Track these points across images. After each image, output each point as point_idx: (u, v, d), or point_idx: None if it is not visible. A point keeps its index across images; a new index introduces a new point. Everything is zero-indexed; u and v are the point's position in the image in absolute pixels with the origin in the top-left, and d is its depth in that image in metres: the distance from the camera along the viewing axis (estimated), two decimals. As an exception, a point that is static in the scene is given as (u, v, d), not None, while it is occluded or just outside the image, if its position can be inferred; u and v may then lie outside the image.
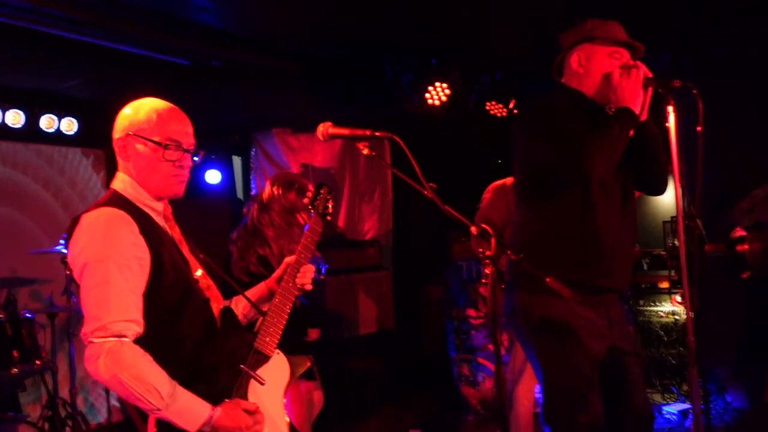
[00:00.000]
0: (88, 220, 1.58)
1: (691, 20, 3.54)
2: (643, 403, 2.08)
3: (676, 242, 4.09)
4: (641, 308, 4.67)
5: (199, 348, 1.65)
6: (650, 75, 1.98)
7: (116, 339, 1.49)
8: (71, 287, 3.70)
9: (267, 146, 5.33)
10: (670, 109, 1.89)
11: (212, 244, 2.88)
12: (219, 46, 3.53)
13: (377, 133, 1.68)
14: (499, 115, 4.43)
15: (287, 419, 1.81)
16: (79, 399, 3.88)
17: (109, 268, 1.52)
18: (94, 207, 1.62)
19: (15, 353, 3.23)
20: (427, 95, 4.02)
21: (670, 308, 4.57)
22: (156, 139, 1.64)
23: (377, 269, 5.22)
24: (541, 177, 2.03)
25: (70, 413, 3.65)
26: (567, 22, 2.14)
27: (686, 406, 4.15)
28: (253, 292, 1.89)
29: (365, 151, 1.69)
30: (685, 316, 1.93)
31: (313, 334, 3.06)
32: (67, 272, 1.60)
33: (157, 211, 1.71)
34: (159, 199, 1.70)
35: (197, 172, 5.02)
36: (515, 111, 4.38)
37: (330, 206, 1.94)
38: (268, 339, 1.75)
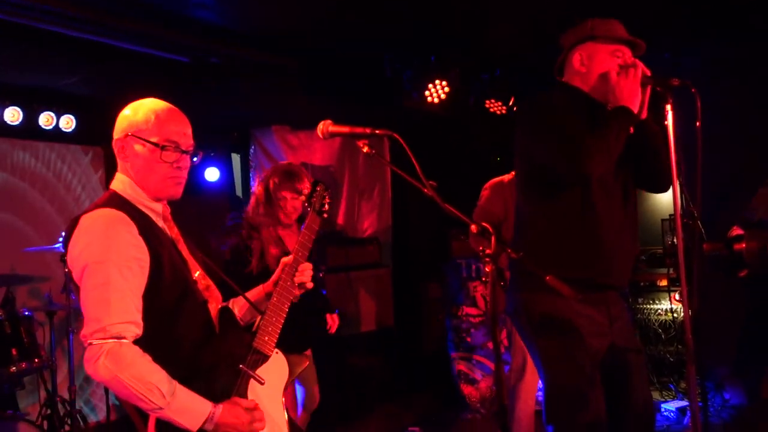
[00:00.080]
0: (87, 221, 1.58)
1: (691, 18, 3.54)
2: (644, 401, 2.08)
3: (674, 240, 4.10)
4: (640, 306, 4.68)
5: (198, 348, 1.65)
6: (649, 73, 1.98)
7: (115, 340, 1.49)
8: (70, 285, 3.70)
9: (266, 144, 5.32)
10: (669, 107, 1.89)
11: (211, 242, 2.89)
12: (218, 43, 3.52)
13: (377, 131, 1.68)
14: (498, 112, 4.43)
15: (287, 417, 1.82)
16: (78, 397, 3.88)
17: (109, 269, 1.52)
18: (93, 208, 1.62)
19: (14, 351, 3.23)
20: (427, 93, 4.02)
21: (669, 306, 4.58)
22: (154, 140, 1.64)
23: (377, 267, 5.22)
24: (542, 176, 2.03)
25: (69, 411, 3.64)
26: (566, 20, 2.14)
27: (684, 403, 4.16)
28: (252, 294, 1.89)
29: (365, 149, 1.69)
30: (683, 314, 1.93)
31: (334, 321, 3.04)
32: (66, 270, 1.60)
33: (156, 211, 1.71)
34: (157, 200, 1.70)
35: (196, 169, 5.02)
36: (515, 108, 4.38)
37: (327, 204, 1.93)
38: (266, 338, 1.75)
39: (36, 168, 4.38)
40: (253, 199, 2.91)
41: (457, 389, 4.67)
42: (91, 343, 1.50)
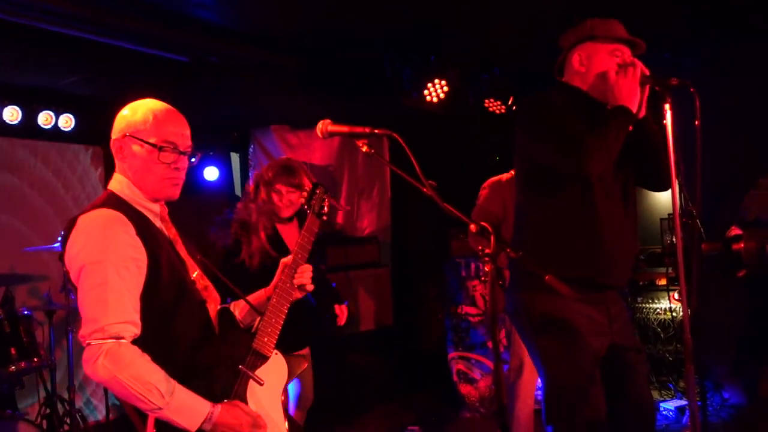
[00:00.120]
0: (84, 221, 1.58)
1: (691, 18, 3.54)
2: (644, 400, 2.08)
3: (673, 239, 4.10)
4: (639, 305, 4.69)
5: (196, 349, 1.65)
6: (647, 73, 1.98)
7: (114, 340, 1.49)
8: (68, 285, 3.70)
9: (265, 143, 5.32)
10: (668, 107, 1.89)
11: (210, 241, 2.89)
12: (218, 43, 3.52)
13: (376, 131, 1.68)
14: (498, 112, 4.43)
15: (286, 418, 1.82)
16: (77, 396, 3.88)
17: (107, 269, 1.52)
18: (90, 208, 1.62)
19: (13, 351, 3.23)
20: (426, 92, 4.02)
21: (668, 305, 4.58)
22: (152, 140, 1.64)
23: (376, 266, 5.22)
24: (542, 175, 2.03)
25: (69, 411, 3.64)
26: (566, 20, 2.15)
27: (683, 402, 4.16)
28: (253, 298, 1.89)
29: (364, 149, 1.69)
30: (682, 313, 1.93)
31: (342, 311, 3.03)
32: (65, 270, 1.59)
33: (154, 212, 1.71)
34: (155, 200, 1.70)
35: (196, 169, 5.01)
36: (514, 108, 4.38)
37: (326, 206, 1.94)
38: (266, 339, 1.75)
39: (35, 167, 4.38)
40: (249, 188, 2.92)
41: (456, 388, 4.67)
42: (89, 344, 1.49)
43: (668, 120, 1.88)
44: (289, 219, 2.91)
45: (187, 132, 1.70)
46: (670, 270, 4.52)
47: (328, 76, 4.22)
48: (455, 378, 4.68)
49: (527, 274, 2.02)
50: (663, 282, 4.67)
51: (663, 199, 4.72)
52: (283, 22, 3.50)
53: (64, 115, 4.26)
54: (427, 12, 3.38)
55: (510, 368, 3.35)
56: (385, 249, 5.48)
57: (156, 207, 1.71)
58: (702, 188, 1.88)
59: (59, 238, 3.54)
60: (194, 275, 1.74)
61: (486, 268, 1.51)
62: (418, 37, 3.78)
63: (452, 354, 4.71)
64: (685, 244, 1.93)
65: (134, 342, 1.53)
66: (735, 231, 3.37)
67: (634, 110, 1.96)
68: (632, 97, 1.94)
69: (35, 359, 3.32)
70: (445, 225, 5.13)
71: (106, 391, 4.22)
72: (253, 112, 5.09)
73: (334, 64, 4.04)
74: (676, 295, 4.49)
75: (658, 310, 4.64)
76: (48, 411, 3.58)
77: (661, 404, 4.23)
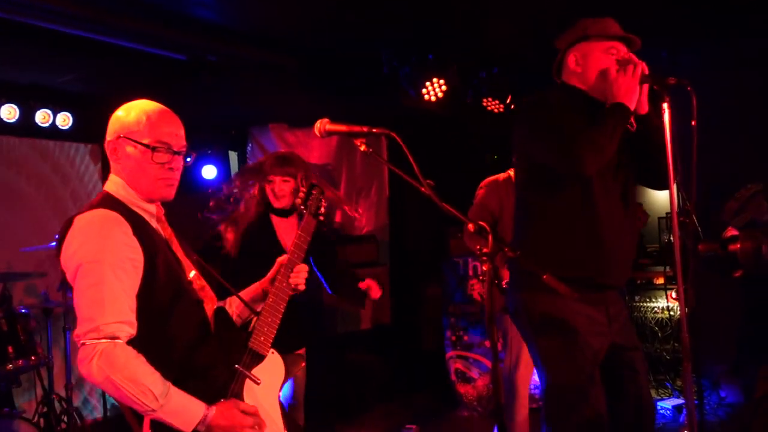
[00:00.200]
0: (81, 221, 1.58)
1: (690, 17, 3.55)
2: (644, 399, 2.09)
3: (671, 238, 4.11)
4: (636, 304, 4.70)
5: (193, 349, 1.65)
6: (647, 72, 1.98)
7: (109, 340, 1.49)
8: (67, 284, 3.69)
9: (263, 141, 5.31)
10: (666, 106, 1.89)
11: (217, 251, 2.87)
12: (216, 41, 3.51)
13: (374, 130, 1.68)
14: (496, 111, 4.43)
15: (283, 417, 1.82)
16: (74, 395, 3.88)
17: (104, 269, 1.51)
18: (87, 208, 1.62)
19: (10, 349, 3.22)
20: (425, 91, 4.01)
21: (665, 304, 4.59)
22: (145, 141, 1.63)
23: (374, 265, 5.21)
24: (541, 174, 2.04)
25: (66, 409, 3.64)
26: (565, 19, 2.15)
27: (680, 401, 4.18)
28: (247, 293, 1.89)
29: (362, 148, 1.69)
30: (679, 312, 1.93)
31: (371, 284, 2.94)
32: (62, 269, 1.59)
33: (150, 212, 1.70)
34: (150, 201, 1.70)
35: (194, 167, 5.01)
36: (512, 107, 4.38)
37: (323, 206, 1.94)
38: (262, 338, 1.75)
39: (33, 165, 4.37)
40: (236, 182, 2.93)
41: (453, 387, 4.68)
42: (84, 343, 1.49)
43: (666, 119, 1.88)
44: (286, 213, 2.88)
45: (181, 132, 1.70)
46: (667, 269, 4.53)
47: (326, 75, 4.22)
48: (453, 377, 4.68)
49: (527, 273, 2.02)
50: (661, 281, 4.68)
51: (661, 198, 4.72)
52: (282, 21, 3.49)
53: (62, 113, 4.26)
54: (425, 11, 3.38)
55: (504, 366, 3.35)
56: (384, 248, 5.48)
57: (152, 207, 1.71)
58: (699, 188, 1.88)
59: (56, 236, 3.54)
60: (191, 275, 1.74)
61: (484, 268, 1.51)
62: (416, 36, 3.78)
63: (450, 353, 4.72)
64: (683, 243, 1.93)
65: (131, 342, 1.53)
66: (731, 232, 3.38)
67: (632, 108, 1.96)
68: (631, 95, 1.94)
69: (32, 357, 3.31)
70: (443, 224, 5.13)
71: (103, 389, 4.20)
72: (251, 111, 5.09)
73: (332, 62, 4.04)
74: (674, 294, 4.50)
75: (655, 308, 4.65)
76: (45, 409, 3.57)
77: (658, 403, 4.24)
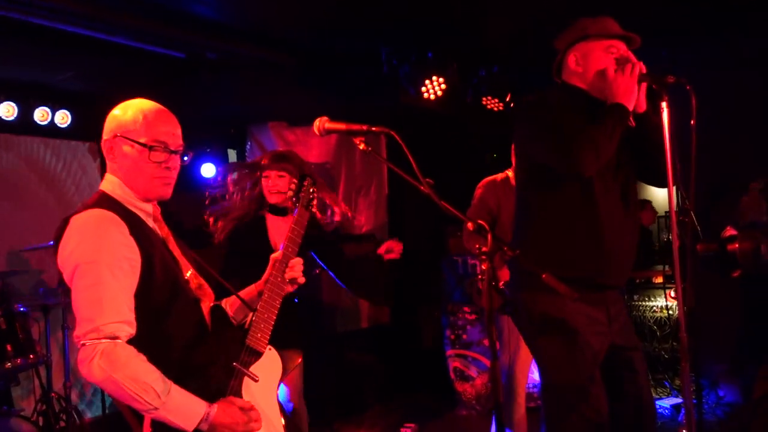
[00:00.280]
0: (77, 221, 1.57)
1: (689, 15, 3.54)
2: (644, 400, 2.08)
3: (670, 237, 4.11)
4: (635, 303, 4.70)
5: (191, 348, 1.65)
6: (645, 70, 1.98)
7: (109, 340, 1.48)
8: (63, 284, 3.69)
9: (262, 139, 5.30)
10: (664, 105, 1.89)
11: (207, 238, 2.88)
12: (215, 39, 3.50)
13: (373, 128, 1.67)
14: (495, 109, 4.43)
15: (281, 414, 1.82)
16: (73, 393, 3.88)
17: (101, 269, 1.51)
18: (82, 208, 1.61)
19: (8, 347, 3.22)
20: (424, 89, 4.01)
21: (664, 303, 4.60)
22: (142, 140, 1.63)
23: (373, 264, 5.21)
24: (541, 174, 2.03)
25: (65, 407, 3.64)
26: (564, 16, 2.14)
27: (678, 400, 4.18)
28: (243, 295, 1.89)
29: (361, 146, 1.68)
30: (678, 311, 1.93)
31: (391, 245, 2.89)
32: (59, 270, 1.59)
33: (146, 211, 1.70)
34: (146, 200, 1.69)
35: (192, 165, 5.00)
36: (512, 105, 4.38)
37: (315, 198, 1.93)
38: (259, 335, 1.75)
39: (31, 164, 4.36)
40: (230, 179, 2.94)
41: (452, 386, 4.68)
42: (84, 344, 1.48)
43: (665, 118, 1.88)
44: (282, 211, 2.86)
45: (178, 131, 1.69)
46: (666, 268, 4.53)
47: (325, 73, 4.21)
48: (452, 375, 4.68)
49: (527, 273, 2.02)
50: (659, 280, 4.69)
51: (660, 197, 4.73)
52: (281, 19, 3.49)
53: (61, 111, 4.25)
54: (425, 9, 3.38)
55: (501, 365, 3.35)
56: (383, 246, 5.47)
57: (148, 207, 1.70)
58: (698, 187, 1.87)
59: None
60: (188, 274, 1.74)
61: (483, 267, 1.51)
62: (416, 35, 3.78)
63: (449, 352, 4.72)
64: (682, 242, 1.93)
65: (129, 342, 1.52)
66: (730, 231, 3.38)
67: (631, 108, 1.95)
68: (629, 95, 1.94)
69: (31, 356, 3.31)
70: (442, 223, 5.13)
71: (102, 387, 4.20)
72: (250, 109, 5.08)
73: (331, 61, 4.04)
74: (672, 293, 4.50)
75: (654, 307, 4.65)
76: (44, 408, 3.57)
77: (656, 402, 4.24)
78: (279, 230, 2.84)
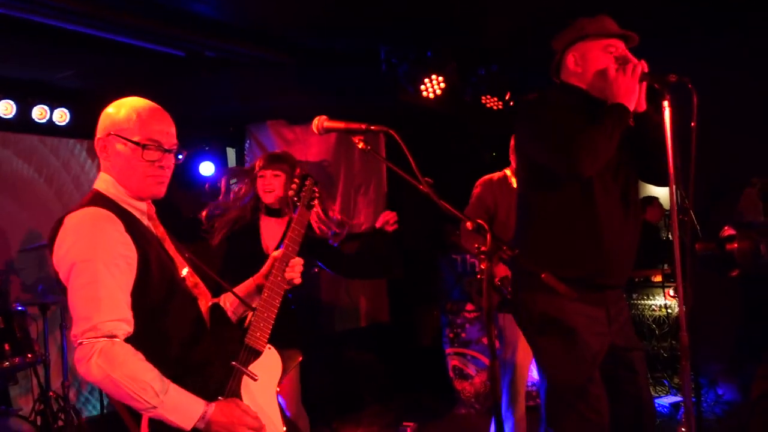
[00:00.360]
0: (72, 220, 1.57)
1: (690, 14, 3.54)
2: (644, 400, 2.08)
3: (669, 236, 4.11)
4: (634, 301, 4.70)
5: (189, 346, 1.64)
6: (646, 70, 1.98)
7: (107, 339, 1.47)
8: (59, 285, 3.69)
9: (261, 138, 5.30)
10: (666, 104, 1.89)
11: (205, 237, 2.88)
12: (214, 38, 3.50)
13: (372, 127, 1.67)
14: (495, 108, 4.42)
15: (281, 413, 1.81)
16: (71, 392, 3.87)
17: (98, 267, 1.50)
18: (77, 207, 1.60)
19: (6, 346, 3.21)
20: (423, 88, 4.00)
21: (663, 302, 4.60)
22: (136, 139, 1.62)
23: (371, 262, 5.20)
24: (541, 174, 2.03)
25: (63, 406, 3.63)
26: (563, 15, 2.14)
27: (677, 398, 4.18)
28: (241, 289, 1.88)
29: (360, 145, 1.68)
30: (677, 310, 1.93)
31: (386, 218, 2.92)
32: (55, 270, 1.58)
33: (141, 210, 1.69)
34: (140, 199, 1.68)
35: (191, 164, 5.00)
36: (511, 104, 4.38)
37: (316, 197, 1.93)
38: (258, 334, 1.74)
39: (29, 162, 4.35)
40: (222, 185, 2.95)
41: (451, 384, 4.68)
42: (81, 343, 1.47)
43: (666, 117, 1.87)
44: (277, 212, 2.84)
45: (172, 130, 1.68)
46: (665, 266, 4.54)
47: (324, 72, 4.20)
48: (451, 374, 4.69)
49: (527, 273, 2.02)
50: (658, 278, 4.69)
51: (661, 196, 4.72)
52: (280, 18, 3.48)
53: (59, 109, 4.24)
54: (424, 8, 3.37)
55: (500, 363, 3.34)
56: (381, 245, 5.46)
57: (143, 205, 1.70)
58: (697, 186, 1.87)
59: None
60: (184, 273, 1.73)
61: (482, 266, 1.50)
62: (415, 33, 3.77)
63: (448, 350, 4.72)
64: (682, 240, 1.93)
65: (126, 340, 1.52)
66: (728, 231, 3.37)
67: (631, 108, 1.95)
68: (630, 95, 1.93)
69: (29, 355, 3.30)
70: (441, 221, 5.12)
71: (100, 386, 4.19)
72: (249, 108, 5.07)
73: (330, 59, 4.03)
74: (672, 292, 4.50)
75: (653, 306, 4.66)
76: (42, 407, 3.56)
77: (655, 400, 4.25)
78: (272, 232, 2.82)
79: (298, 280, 1.84)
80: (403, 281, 5.54)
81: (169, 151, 1.66)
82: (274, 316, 1.78)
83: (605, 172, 1.98)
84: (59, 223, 1.58)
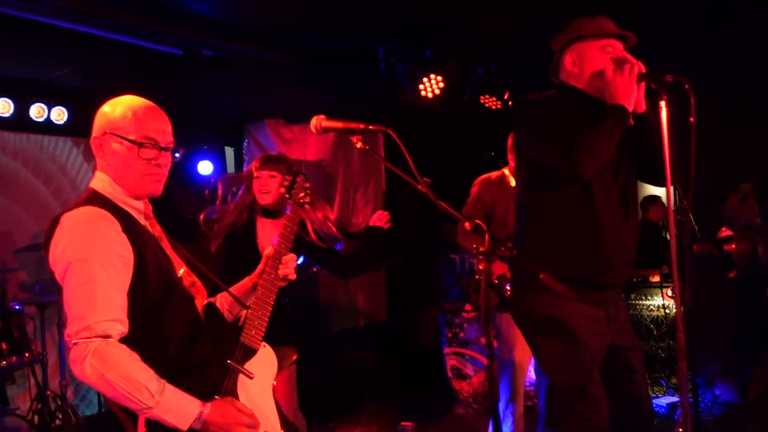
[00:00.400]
0: (69, 219, 1.56)
1: (689, 14, 3.54)
2: (642, 400, 2.08)
3: (667, 236, 4.11)
4: (632, 302, 4.71)
5: (185, 345, 1.64)
6: (644, 70, 1.98)
7: (101, 339, 1.47)
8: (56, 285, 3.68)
9: (260, 137, 5.29)
10: (663, 104, 1.88)
11: (204, 236, 2.88)
12: (213, 36, 3.49)
13: (371, 127, 1.66)
14: (493, 108, 4.42)
15: (277, 411, 1.81)
16: (69, 391, 3.86)
17: (94, 267, 1.49)
18: (73, 206, 1.59)
19: (4, 345, 3.21)
20: (422, 87, 4.00)
21: (661, 302, 4.60)
22: (132, 137, 1.61)
23: (370, 262, 5.20)
24: (541, 175, 2.03)
25: (60, 405, 3.62)
26: (562, 15, 2.14)
27: (675, 399, 4.18)
28: (237, 288, 1.88)
29: (358, 145, 1.67)
30: (675, 310, 1.94)
31: (379, 216, 2.99)
32: (50, 269, 1.57)
33: (137, 209, 1.68)
34: (137, 197, 1.67)
35: (190, 163, 4.99)
36: (510, 104, 4.38)
37: (308, 194, 1.93)
38: (253, 332, 1.74)
39: (27, 161, 4.34)
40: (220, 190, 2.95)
41: (449, 384, 4.68)
42: (76, 343, 1.47)
43: (664, 117, 1.87)
44: (273, 213, 2.83)
45: (169, 128, 1.67)
46: (663, 267, 4.54)
47: (323, 71, 4.20)
48: (449, 374, 4.69)
49: (527, 273, 2.02)
50: (656, 279, 4.69)
51: (662, 196, 4.72)
52: (279, 17, 3.48)
53: (57, 107, 4.23)
54: (423, 7, 3.37)
55: (498, 363, 3.34)
56: (380, 245, 5.46)
57: (139, 204, 1.69)
58: (696, 187, 1.87)
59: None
60: (181, 272, 1.73)
61: (480, 266, 1.50)
62: (413, 33, 3.77)
63: (446, 350, 4.72)
64: (680, 241, 1.93)
65: (123, 340, 1.51)
66: (726, 232, 3.38)
67: (630, 108, 1.95)
68: (628, 96, 1.93)
69: (26, 354, 3.30)
70: (440, 221, 5.12)
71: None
72: (247, 107, 5.07)
73: (329, 59, 4.02)
74: (670, 292, 4.50)
75: (651, 306, 4.66)
76: (40, 406, 3.56)
77: (653, 400, 4.25)
78: (268, 233, 2.82)
79: (292, 276, 1.84)
80: (401, 281, 5.54)
81: (165, 149, 1.65)
82: (269, 314, 1.78)
83: (605, 172, 1.98)
84: (55, 221, 1.57)
